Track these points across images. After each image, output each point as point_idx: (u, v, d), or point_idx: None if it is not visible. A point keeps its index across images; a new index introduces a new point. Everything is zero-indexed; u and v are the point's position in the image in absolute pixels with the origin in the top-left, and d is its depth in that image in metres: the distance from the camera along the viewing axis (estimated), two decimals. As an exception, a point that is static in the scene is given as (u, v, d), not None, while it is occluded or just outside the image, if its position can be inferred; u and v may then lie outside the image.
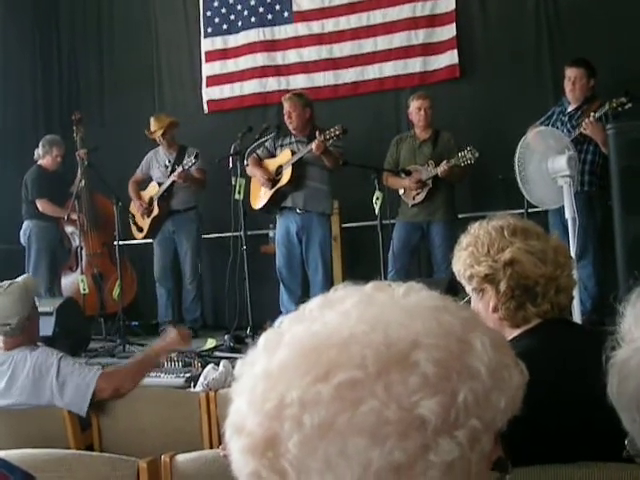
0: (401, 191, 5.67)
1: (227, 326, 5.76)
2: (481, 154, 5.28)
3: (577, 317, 4.05)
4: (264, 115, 6.68)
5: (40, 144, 6.59)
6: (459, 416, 0.65)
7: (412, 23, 6.46)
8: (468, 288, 1.77)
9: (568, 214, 4.34)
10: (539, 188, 4.40)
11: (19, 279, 3.00)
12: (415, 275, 5.63)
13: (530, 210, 4.99)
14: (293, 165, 5.55)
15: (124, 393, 2.85)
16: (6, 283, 2.92)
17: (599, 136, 4.88)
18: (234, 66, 7.04)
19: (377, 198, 5.33)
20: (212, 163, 6.01)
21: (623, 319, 0.84)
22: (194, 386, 3.76)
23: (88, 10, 7.62)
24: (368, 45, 6.61)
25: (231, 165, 5.65)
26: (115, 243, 5.98)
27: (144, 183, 6.41)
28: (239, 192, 5.58)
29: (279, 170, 5.66)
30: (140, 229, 6.21)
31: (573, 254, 4.02)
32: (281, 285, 5.78)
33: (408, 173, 5.54)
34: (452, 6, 6.36)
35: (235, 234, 5.66)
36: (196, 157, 5.85)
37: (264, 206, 5.75)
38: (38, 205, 6.46)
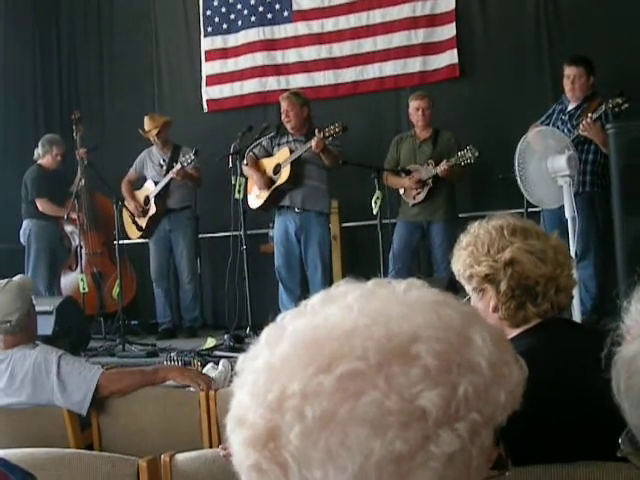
0: (401, 191, 5.67)
1: (227, 325, 5.75)
2: (481, 154, 5.27)
3: (577, 317, 4.05)
4: (264, 114, 6.68)
5: (40, 143, 6.57)
6: (460, 409, 0.66)
7: (412, 23, 6.47)
8: (468, 288, 1.77)
9: (568, 214, 4.34)
10: (539, 188, 4.40)
11: (15, 278, 3.00)
12: (415, 275, 5.62)
13: (530, 210, 4.99)
14: (292, 163, 5.54)
15: (120, 396, 2.85)
16: (3, 281, 2.93)
17: (598, 137, 4.85)
18: (234, 65, 7.05)
19: (377, 198, 5.34)
20: (212, 162, 6.01)
21: (627, 314, 0.83)
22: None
23: (88, 10, 7.62)
24: (368, 44, 6.61)
25: (231, 164, 5.65)
26: (115, 242, 5.97)
27: (137, 182, 6.41)
28: (239, 191, 5.58)
29: (277, 168, 5.65)
30: (140, 228, 6.20)
31: (572, 254, 4.02)
32: (280, 285, 5.78)
33: (408, 173, 5.54)
34: (452, 6, 6.36)
35: (235, 233, 5.65)
36: (195, 154, 5.85)
37: (262, 205, 5.74)
38: (38, 204, 6.46)
